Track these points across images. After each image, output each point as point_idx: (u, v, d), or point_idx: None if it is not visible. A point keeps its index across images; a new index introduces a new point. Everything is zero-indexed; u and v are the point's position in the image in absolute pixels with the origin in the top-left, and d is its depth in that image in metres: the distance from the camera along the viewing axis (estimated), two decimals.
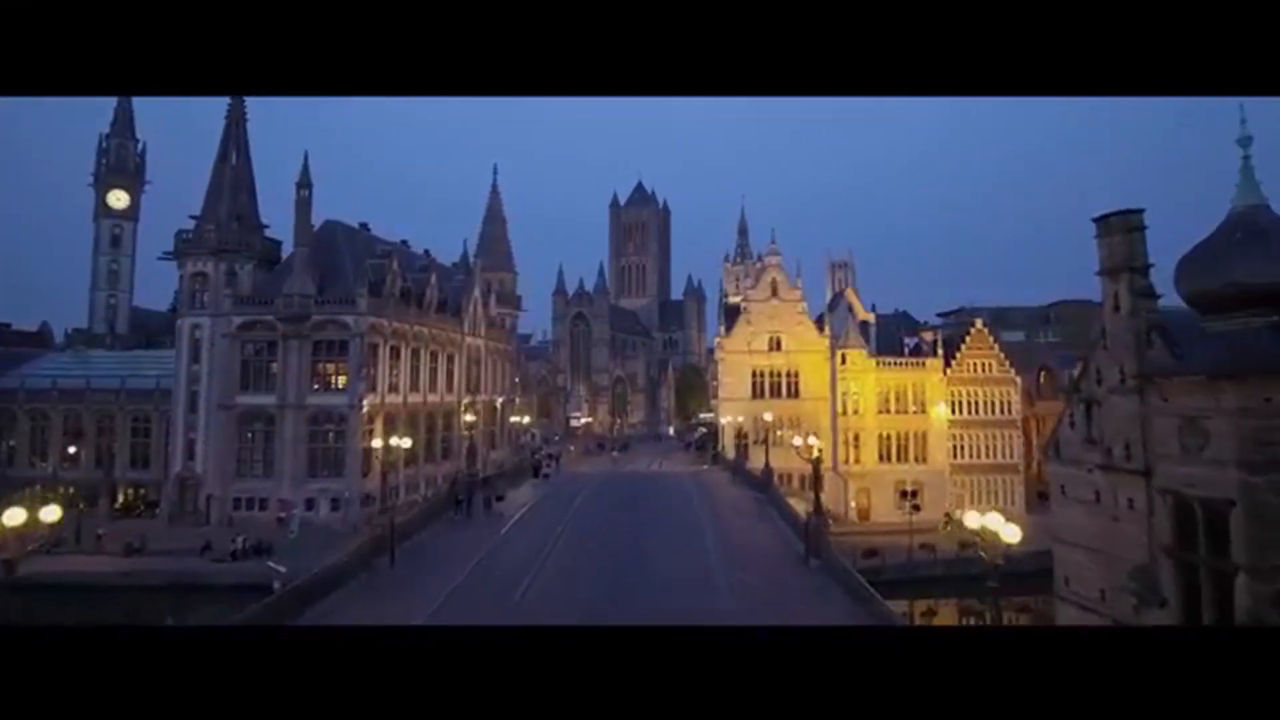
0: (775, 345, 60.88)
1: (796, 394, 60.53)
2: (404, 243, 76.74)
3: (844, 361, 59.10)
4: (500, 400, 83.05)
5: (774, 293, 61.35)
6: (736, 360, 61.00)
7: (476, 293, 76.29)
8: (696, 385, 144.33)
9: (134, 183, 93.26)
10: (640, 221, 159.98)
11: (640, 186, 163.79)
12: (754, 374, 60.66)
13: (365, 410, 56.42)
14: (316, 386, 56.87)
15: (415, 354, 64.22)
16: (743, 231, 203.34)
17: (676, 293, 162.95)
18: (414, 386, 64.04)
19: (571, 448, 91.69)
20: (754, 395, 60.52)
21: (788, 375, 60.64)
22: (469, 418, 70.47)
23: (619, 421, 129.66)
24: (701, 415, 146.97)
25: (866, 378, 59.07)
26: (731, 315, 63.22)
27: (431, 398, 66.66)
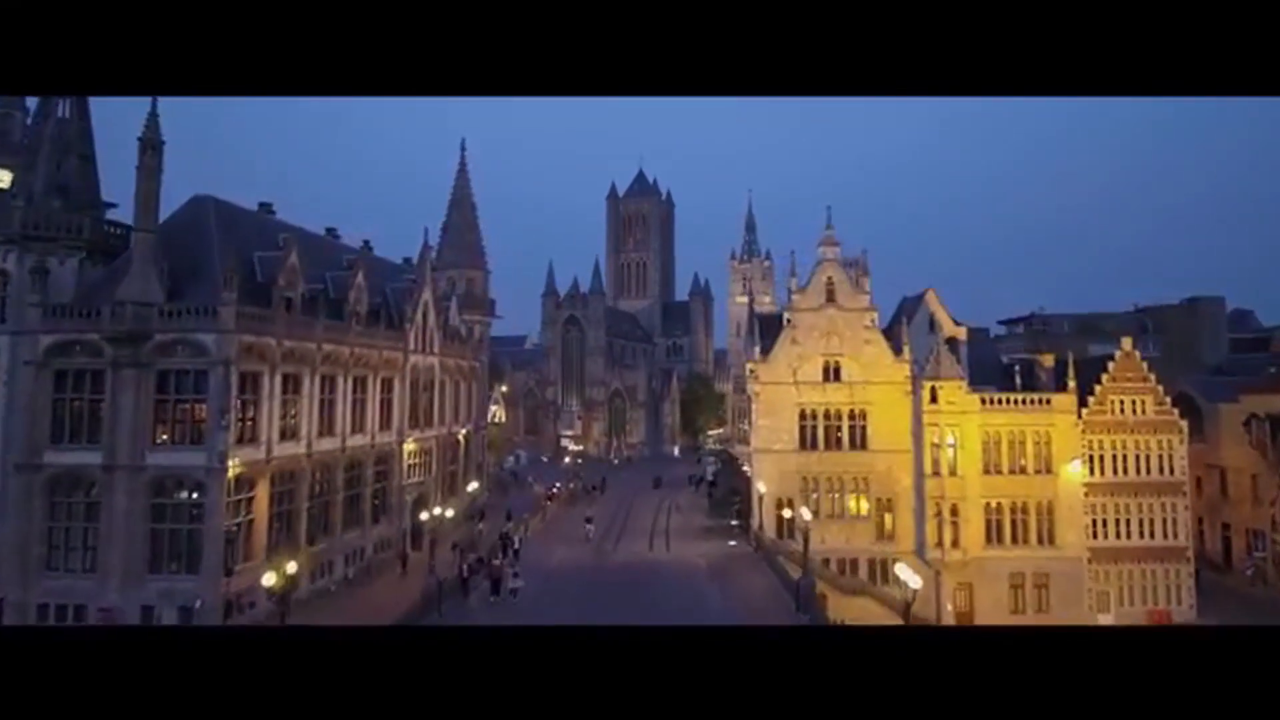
0: (833, 373, 41.32)
1: (863, 444, 41.06)
2: (331, 232, 57.15)
3: (934, 399, 39.67)
4: (464, 431, 63.61)
5: (830, 298, 41.67)
6: (777, 395, 41.40)
7: (427, 296, 56.71)
8: (704, 397, 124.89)
9: (20, 161, 73.72)
10: (641, 214, 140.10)
11: (641, 175, 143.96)
12: (803, 415, 41.13)
13: (236, 471, 37.04)
14: (163, 438, 37.25)
15: (328, 383, 44.75)
16: (750, 227, 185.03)
17: (681, 293, 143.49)
18: (326, 428, 44.60)
19: (556, 488, 72.17)
20: (803, 445, 41.06)
21: (851, 417, 41.10)
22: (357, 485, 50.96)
23: (616, 441, 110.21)
24: (710, 433, 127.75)
25: (967, 423, 39.66)
26: (769, 330, 43.52)
27: (356, 440, 47.16)
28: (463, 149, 72.81)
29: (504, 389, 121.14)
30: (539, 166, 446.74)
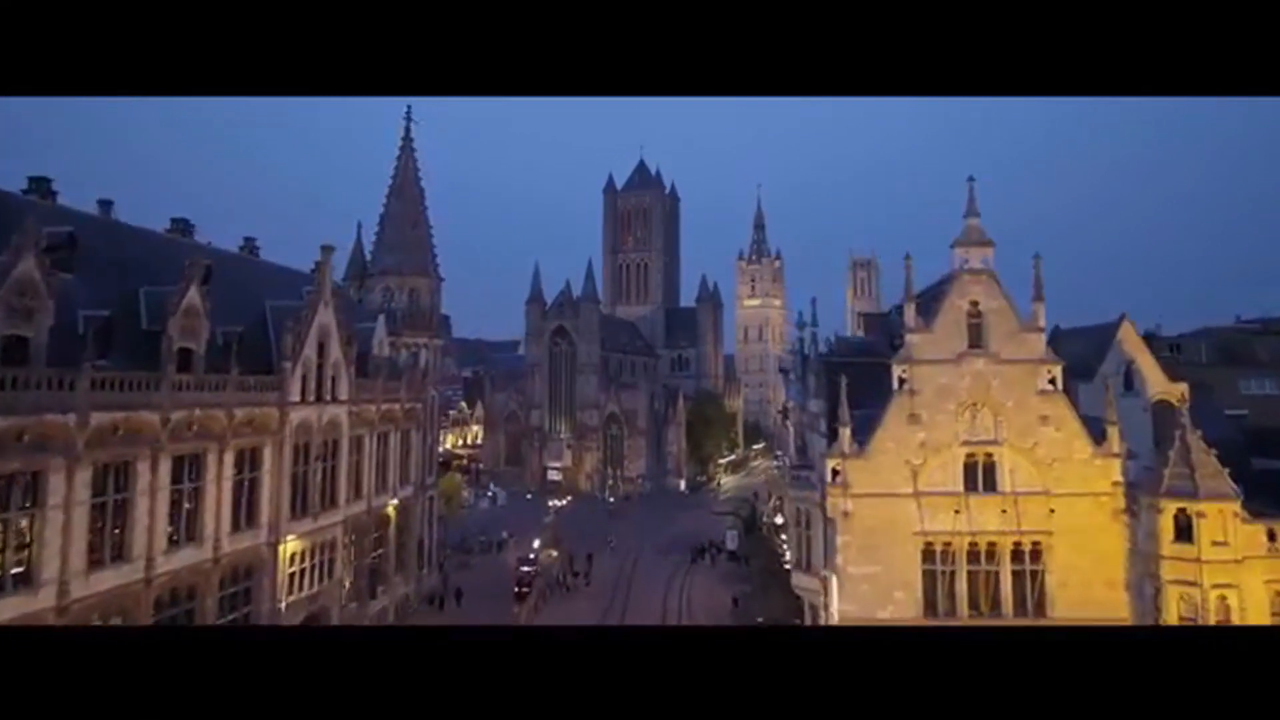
0: (982, 478, 22.17)
1: (1040, 608, 21.76)
2: (179, 226, 37.78)
3: (1182, 533, 20.58)
4: (394, 502, 44.63)
5: (976, 341, 22.59)
6: (882, 516, 21.92)
7: (327, 318, 37.68)
8: (714, 418, 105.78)
9: None
10: (642, 208, 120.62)
11: (642, 166, 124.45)
12: (929, 553, 21.78)
13: None
14: None
15: (114, 475, 25.85)
16: (759, 225, 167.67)
17: (687, 298, 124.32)
18: (114, 551, 25.73)
19: (529, 567, 53.13)
20: (930, 609, 21.64)
21: (1018, 558, 21.77)
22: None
23: (613, 475, 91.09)
24: (720, 461, 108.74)
25: (1247, 579, 20.27)
26: (861, 385, 23.78)
27: (182, 557, 28.08)
28: (407, 118, 53.50)
29: (481, 411, 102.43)
30: (531, 158, 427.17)
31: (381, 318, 45.20)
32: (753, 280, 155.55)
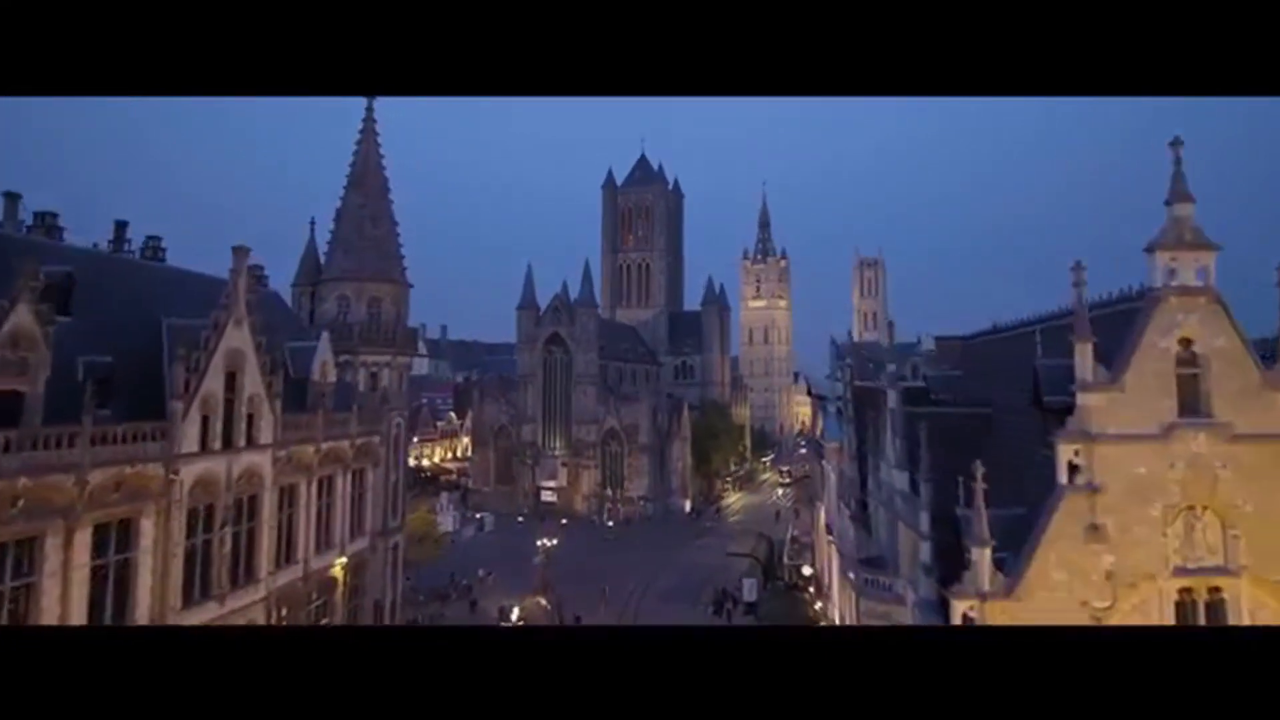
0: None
1: None
2: (44, 223, 28.61)
3: None
4: (344, 560, 35.90)
5: (1189, 405, 13.88)
6: None
7: (240, 341, 28.89)
8: (721, 430, 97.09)
9: None
10: (644, 206, 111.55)
11: (644, 161, 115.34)
12: None
13: None
14: None
15: None
16: (764, 224, 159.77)
17: (691, 301, 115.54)
18: None
19: (517, 610, 44.32)
20: None
21: None
22: None
23: (613, 495, 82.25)
24: (728, 477, 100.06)
25: None
26: (953, 447, 15.03)
27: None
28: (369, 97, 44.45)
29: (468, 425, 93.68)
30: (531, 152, 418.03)
31: (325, 335, 36.24)
32: (758, 280, 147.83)
